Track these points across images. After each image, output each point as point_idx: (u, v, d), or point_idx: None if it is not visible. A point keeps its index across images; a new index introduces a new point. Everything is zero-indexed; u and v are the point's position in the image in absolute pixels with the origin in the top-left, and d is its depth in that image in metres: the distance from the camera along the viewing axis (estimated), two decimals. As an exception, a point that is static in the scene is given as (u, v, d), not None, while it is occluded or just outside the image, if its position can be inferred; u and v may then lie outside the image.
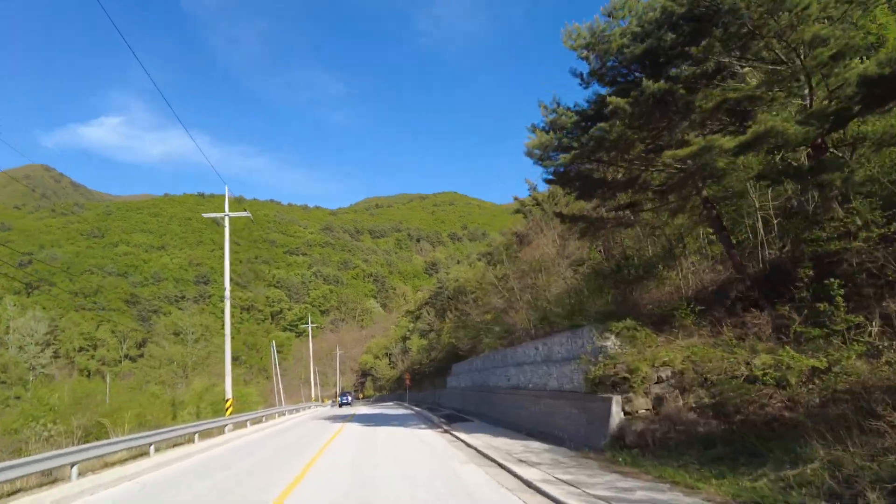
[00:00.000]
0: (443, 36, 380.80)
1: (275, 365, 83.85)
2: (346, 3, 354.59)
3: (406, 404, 50.01)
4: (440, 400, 43.80)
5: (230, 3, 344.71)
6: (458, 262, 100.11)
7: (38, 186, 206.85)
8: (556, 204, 26.46)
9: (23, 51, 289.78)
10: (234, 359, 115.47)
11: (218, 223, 34.71)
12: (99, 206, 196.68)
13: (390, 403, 59.44)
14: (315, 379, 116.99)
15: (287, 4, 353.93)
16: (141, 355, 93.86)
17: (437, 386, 57.18)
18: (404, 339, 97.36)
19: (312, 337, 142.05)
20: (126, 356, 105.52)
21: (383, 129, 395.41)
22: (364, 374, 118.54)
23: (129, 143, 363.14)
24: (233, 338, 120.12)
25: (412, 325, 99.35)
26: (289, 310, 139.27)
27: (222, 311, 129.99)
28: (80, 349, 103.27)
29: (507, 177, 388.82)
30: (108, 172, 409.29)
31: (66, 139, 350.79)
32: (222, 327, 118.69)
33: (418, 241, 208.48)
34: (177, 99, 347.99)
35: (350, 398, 62.44)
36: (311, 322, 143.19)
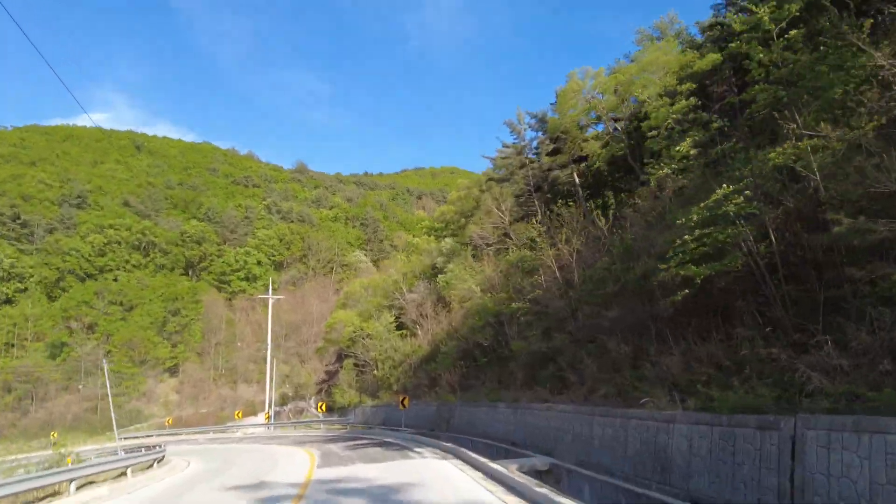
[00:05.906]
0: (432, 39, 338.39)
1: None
2: (335, 5, 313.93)
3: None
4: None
5: (219, 0, 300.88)
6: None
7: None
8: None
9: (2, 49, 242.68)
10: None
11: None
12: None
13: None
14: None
15: (274, 4, 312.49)
16: None
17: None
18: (432, 274, 44.39)
19: (259, 301, 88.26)
20: None
21: (375, 126, 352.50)
22: (340, 356, 62.86)
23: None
24: (114, 279, 64.16)
25: (440, 243, 46.94)
26: (218, 256, 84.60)
27: (95, 249, 76.46)
28: None
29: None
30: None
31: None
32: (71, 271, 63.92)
33: (419, 197, 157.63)
34: (165, 95, 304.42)
35: None
36: (271, 288, 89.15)
